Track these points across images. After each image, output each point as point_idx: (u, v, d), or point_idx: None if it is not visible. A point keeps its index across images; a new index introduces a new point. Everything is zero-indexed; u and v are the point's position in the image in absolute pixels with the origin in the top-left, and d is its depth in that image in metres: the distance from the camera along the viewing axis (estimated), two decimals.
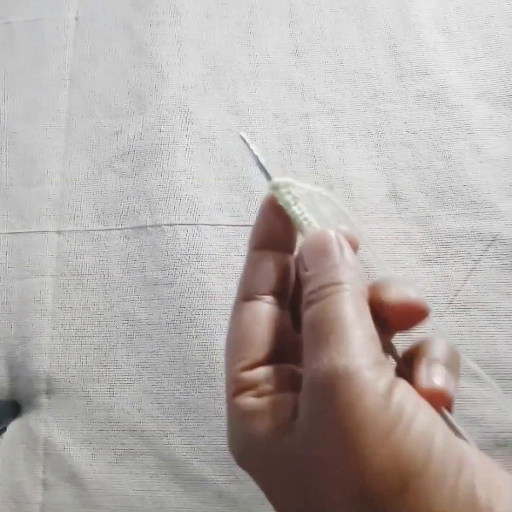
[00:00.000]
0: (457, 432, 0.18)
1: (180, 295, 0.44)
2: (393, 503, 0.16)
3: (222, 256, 0.44)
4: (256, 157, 0.24)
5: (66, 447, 0.42)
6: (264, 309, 0.21)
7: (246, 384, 0.20)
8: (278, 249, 0.23)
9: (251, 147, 0.24)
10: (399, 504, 0.16)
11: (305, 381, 0.18)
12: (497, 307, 0.41)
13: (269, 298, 0.22)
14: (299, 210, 0.22)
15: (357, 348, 0.18)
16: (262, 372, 0.20)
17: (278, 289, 0.22)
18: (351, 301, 0.19)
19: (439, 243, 0.43)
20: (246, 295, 0.22)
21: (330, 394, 0.17)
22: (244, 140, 0.24)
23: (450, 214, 0.44)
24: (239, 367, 0.20)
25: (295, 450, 0.18)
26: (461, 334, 0.41)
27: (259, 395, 0.19)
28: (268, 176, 0.23)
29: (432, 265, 0.43)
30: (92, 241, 0.47)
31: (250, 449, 0.19)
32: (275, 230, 0.23)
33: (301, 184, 0.23)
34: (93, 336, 0.44)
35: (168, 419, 0.41)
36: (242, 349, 0.20)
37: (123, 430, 0.42)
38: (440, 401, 0.19)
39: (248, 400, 0.19)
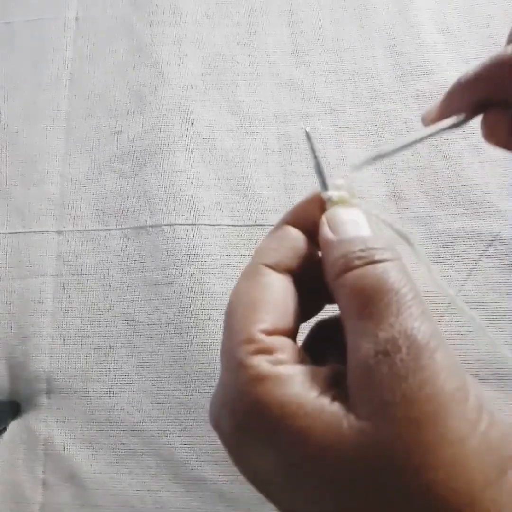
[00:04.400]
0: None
1: (180, 295, 0.44)
2: (491, 491, 0.15)
3: (222, 256, 0.45)
4: (317, 161, 0.22)
5: (66, 447, 0.42)
6: (291, 283, 0.20)
7: (263, 347, 0.18)
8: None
9: (315, 148, 0.22)
10: (498, 490, 0.15)
11: (361, 352, 0.16)
12: (497, 307, 0.41)
13: (290, 276, 0.20)
14: None
15: (425, 318, 0.16)
16: (280, 340, 0.18)
17: (300, 271, 0.21)
18: (403, 268, 0.18)
19: (439, 243, 0.43)
20: (273, 263, 0.20)
21: (409, 369, 0.15)
22: (308, 138, 0.22)
23: (450, 214, 0.44)
24: (258, 328, 0.18)
25: (351, 430, 0.16)
26: (461, 334, 0.41)
27: (275, 363, 0.18)
28: (324, 186, 0.22)
29: (432, 265, 0.43)
30: (92, 241, 0.47)
31: (267, 416, 0.17)
32: (313, 222, 0.21)
33: (357, 202, 0.22)
34: (93, 336, 0.44)
35: (168, 419, 0.41)
36: (263, 311, 0.19)
37: (123, 430, 0.42)
38: None
39: (270, 363, 0.17)
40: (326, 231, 0.20)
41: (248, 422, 0.17)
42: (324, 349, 0.21)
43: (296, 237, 0.21)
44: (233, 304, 0.20)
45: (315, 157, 0.22)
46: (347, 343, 0.17)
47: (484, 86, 0.23)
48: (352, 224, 0.20)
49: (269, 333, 0.18)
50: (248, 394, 0.17)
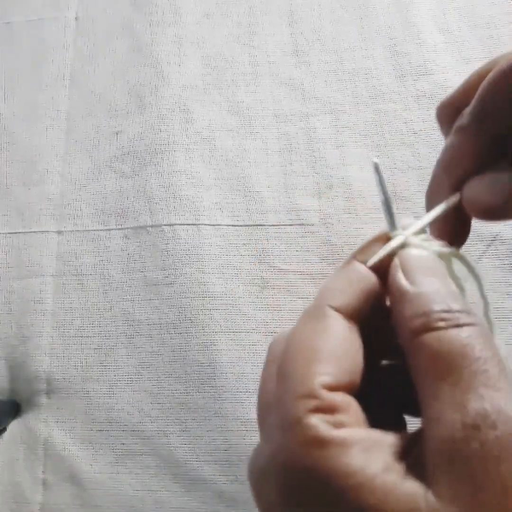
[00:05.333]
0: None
1: (180, 295, 0.44)
2: None
3: (222, 256, 0.45)
4: (386, 197, 0.20)
5: (66, 447, 0.42)
6: (357, 333, 0.18)
7: (325, 404, 0.16)
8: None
9: (384, 182, 0.20)
10: None
11: (446, 423, 0.14)
12: (497, 307, 0.41)
13: (357, 325, 0.18)
14: None
15: None
16: (343, 398, 0.16)
17: (368, 319, 0.18)
18: (488, 336, 0.16)
19: None
20: (340, 307, 0.18)
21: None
22: (377, 170, 0.20)
23: None
24: (319, 381, 0.16)
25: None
26: None
27: (337, 425, 0.15)
28: (393, 225, 0.20)
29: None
30: (92, 241, 0.47)
31: (327, 486, 0.14)
32: (383, 263, 0.19)
33: (429, 244, 0.19)
34: (93, 336, 0.44)
35: (168, 419, 0.41)
36: (327, 361, 0.17)
37: (123, 430, 0.42)
38: None
39: (331, 426, 0.15)
40: (400, 279, 0.18)
41: (302, 490, 0.15)
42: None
43: (367, 278, 0.19)
44: (292, 348, 0.17)
45: (384, 193, 0.20)
46: (424, 409, 0.15)
47: (459, 166, 0.21)
48: (429, 274, 0.18)
49: (332, 388, 0.16)
50: (305, 459, 0.15)
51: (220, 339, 0.42)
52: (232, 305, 0.43)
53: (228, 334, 0.42)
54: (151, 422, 0.41)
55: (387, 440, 0.16)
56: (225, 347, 0.42)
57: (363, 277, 0.19)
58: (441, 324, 0.16)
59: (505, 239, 0.42)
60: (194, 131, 0.49)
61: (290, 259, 0.44)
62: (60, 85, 0.53)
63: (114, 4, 0.56)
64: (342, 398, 0.16)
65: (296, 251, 0.44)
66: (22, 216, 0.48)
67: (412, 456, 0.15)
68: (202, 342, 0.42)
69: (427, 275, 0.18)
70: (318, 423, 0.15)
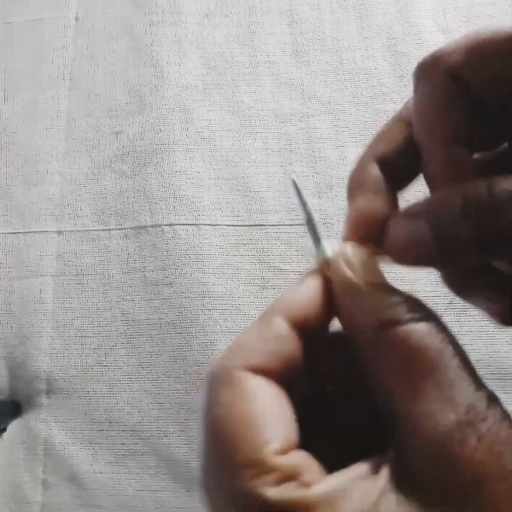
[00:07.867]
0: None
1: (180, 295, 0.44)
2: None
3: (222, 256, 0.45)
4: (307, 214, 0.19)
5: (66, 447, 0.42)
6: (280, 389, 0.16)
7: (286, 473, 0.14)
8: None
9: (304, 198, 0.19)
10: None
11: (435, 425, 0.13)
12: None
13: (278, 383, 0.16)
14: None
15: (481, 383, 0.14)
16: (299, 457, 0.14)
17: (288, 377, 0.16)
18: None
19: None
20: (259, 367, 0.16)
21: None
22: (295, 187, 0.19)
23: None
24: (269, 449, 0.14)
25: None
26: (461, 334, 0.41)
27: (305, 486, 0.14)
28: (317, 243, 0.19)
29: None
30: (92, 241, 0.47)
31: None
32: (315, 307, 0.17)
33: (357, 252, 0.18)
34: (93, 336, 0.44)
35: (168, 419, 0.41)
36: (267, 426, 0.14)
37: (123, 430, 0.42)
38: None
39: (300, 488, 0.14)
40: (347, 272, 0.17)
41: None
42: None
43: (287, 339, 0.16)
44: (218, 424, 0.15)
45: (307, 212, 0.19)
46: (399, 413, 0.14)
47: None
48: (372, 271, 0.17)
49: (284, 451, 0.14)
50: None
51: (220, 339, 0.42)
52: (232, 305, 0.43)
53: (228, 334, 0.42)
54: (151, 422, 0.41)
55: (357, 472, 0.14)
56: (225, 347, 0.42)
57: (283, 338, 0.16)
58: (408, 316, 0.15)
59: None
60: (194, 131, 0.49)
61: (290, 259, 0.44)
62: (60, 85, 0.53)
63: (114, 4, 0.56)
64: (298, 457, 0.14)
65: (296, 251, 0.44)
66: (22, 216, 0.48)
67: (390, 472, 0.14)
68: (202, 342, 0.42)
69: (370, 272, 0.16)
70: (286, 494, 0.13)
